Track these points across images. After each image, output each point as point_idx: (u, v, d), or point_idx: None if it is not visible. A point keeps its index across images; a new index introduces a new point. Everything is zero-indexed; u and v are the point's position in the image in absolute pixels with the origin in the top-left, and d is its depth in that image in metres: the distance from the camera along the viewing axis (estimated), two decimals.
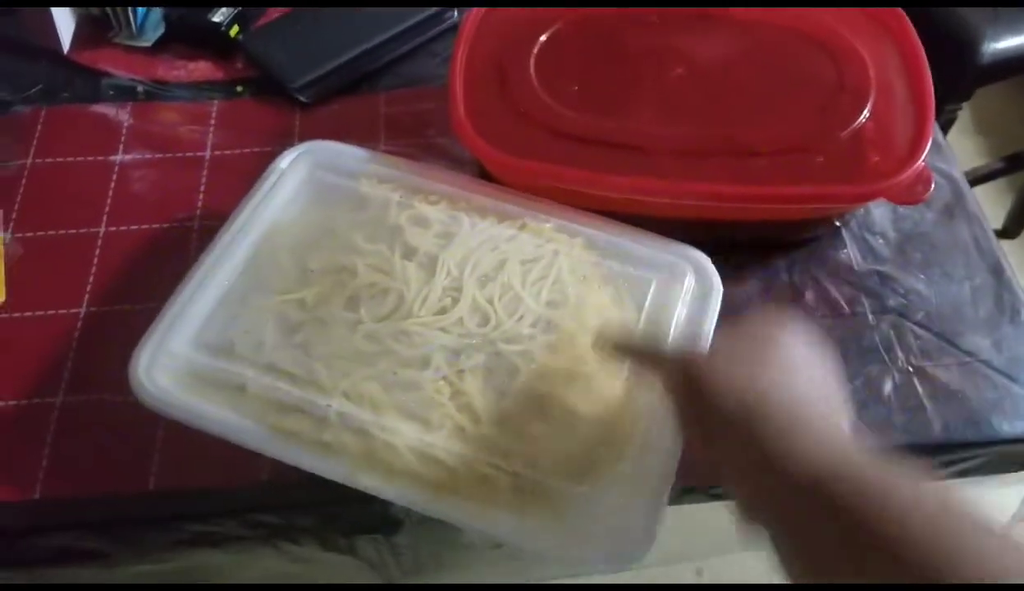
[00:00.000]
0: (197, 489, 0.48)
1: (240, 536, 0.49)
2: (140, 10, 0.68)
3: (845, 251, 0.56)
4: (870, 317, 0.53)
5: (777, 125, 0.54)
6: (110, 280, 0.55)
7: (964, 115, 1.65)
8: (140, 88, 0.66)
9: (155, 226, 0.58)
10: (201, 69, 0.68)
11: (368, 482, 0.43)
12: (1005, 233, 1.50)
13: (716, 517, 0.48)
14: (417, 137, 0.62)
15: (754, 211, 0.53)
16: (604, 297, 0.50)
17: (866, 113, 0.53)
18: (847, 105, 0.54)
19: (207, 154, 0.62)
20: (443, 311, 0.47)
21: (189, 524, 0.48)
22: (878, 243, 0.56)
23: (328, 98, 0.65)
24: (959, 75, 1.09)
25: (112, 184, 0.60)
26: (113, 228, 0.58)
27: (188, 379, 0.46)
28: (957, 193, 0.58)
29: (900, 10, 0.58)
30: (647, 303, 0.50)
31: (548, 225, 0.51)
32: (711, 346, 0.40)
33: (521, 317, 0.48)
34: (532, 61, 0.57)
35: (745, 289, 0.54)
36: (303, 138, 0.62)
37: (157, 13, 0.69)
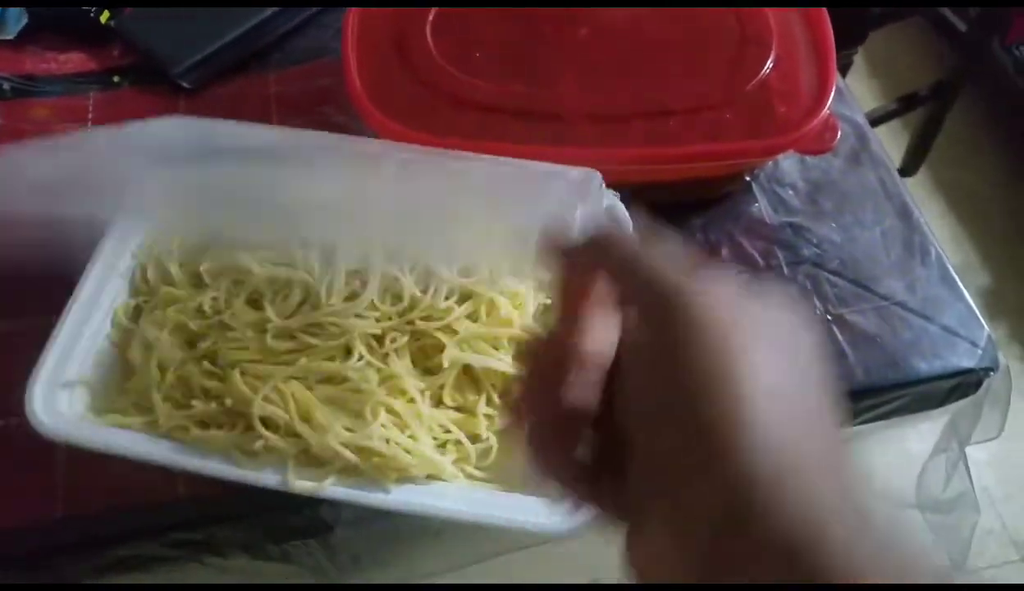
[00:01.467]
0: (107, 511, 0.45)
1: (163, 557, 0.46)
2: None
3: (757, 205, 0.56)
4: (786, 269, 0.53)
5: (686, 82, 0.53)
6: None
7: (857, 59, 1.70)
8: (6, 85, 0.60)
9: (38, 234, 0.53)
10: (73, 61, 0.63)
11: (308, 486, 0.41)
12: (904, 172, 1.56)
13: None
14: (313, 116, 0.59)
15: (671, 171, 0.52)
16: (514, 255, 0.48)
17: (769, 64, 0.53)
18: (751, 57, 0.53)
19: None
20: (353, 296, 0.45)
21: (105, 549, 0.45)
22: (788, 195, 0.56)
23: (213, 81, 0.61)
24: (853, 19, 1.11)
25: None
26: None
27: (91, 407, 0.42)
28: (861, 138, 0.59)
29: None
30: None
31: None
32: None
33: (435, 290, 0.46)
34: (429, 28, 0.55)
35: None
36: None
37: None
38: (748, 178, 0.57)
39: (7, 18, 0.63)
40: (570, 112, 0.52)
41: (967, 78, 1.29)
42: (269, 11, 0.62)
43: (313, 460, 0.42)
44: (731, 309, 0.23)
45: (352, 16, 0.54)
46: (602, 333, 0.27)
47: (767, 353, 0.23)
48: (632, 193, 0.51)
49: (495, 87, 0.52)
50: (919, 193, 1.56)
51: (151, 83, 0.61)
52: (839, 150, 0.58)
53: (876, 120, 1.47)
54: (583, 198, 0.48)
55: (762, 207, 0.56)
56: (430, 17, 0.55)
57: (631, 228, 0.48)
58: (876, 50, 1.69)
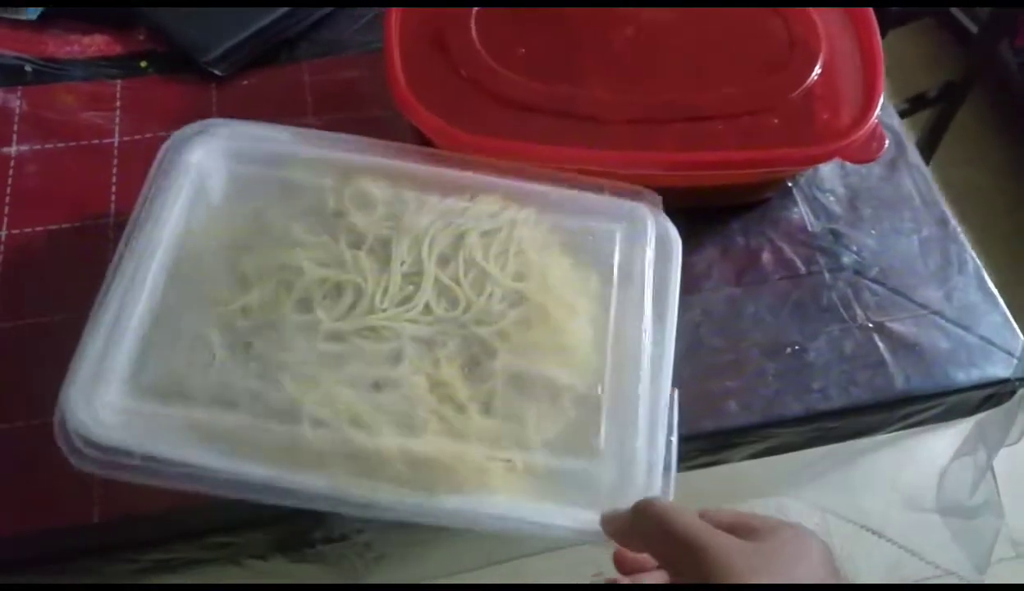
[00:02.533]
0: (146, 516, 0.44)
1: (201, 558, 0.46)
2: None
3: (797, 211, 0.56)
4: (827, 276, 0.53)
5: (729, 87, 0.52)
6: (17, 291, 0.50)
7: None
8: (28, 68, 0.59)
9: (64, 226, 0.52)
10: (97, 44, 0.61)
11: (360, 497, 0.40)
12: None
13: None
14: (349, 109, 0.58)
15: (709, 177, 0.52)
16: (566, 263, 0.47)
17: (817, 70, 0.53)
18: (797, 63, 0.53)
19: (115, 141, 0.56)
20: (407, 299, 0.44)
21: (142, 552, 0.45)
22: (829, 201, 0.56)
23: (244, 70, 0.60)
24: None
25: (9, 180, 0.54)
26: (16, 230, 0.52)
27: (135, 430, 0.40)
28: (899, 145, 0.59)
29: None
30: (614, 264, 0.47)
31: (498, 192, 0.48)
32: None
33: (491, 294, 0.45)
34: (473, 23, 0.54)
35: (703, 254, 0.53)
36: (223, 116, 0.57)
37: None
38: (789, 184, 0.56)
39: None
40: (610, 114, 0.51)
41: (977, 79, 1.30)
42: (291, 5, 0.61)
43: (361, 468, 0.41)
44: (747, 557, 0.33)
45: (394, 13, 0.53)
46: None
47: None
48: (671, 196, 0.50)
49: (537, 86, 0.52)
50: None
51: (179, 70, 0.59)
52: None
53: None
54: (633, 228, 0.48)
55: (802, 212, 0.55)
56: (473, 14, 0.54)
57: (679, 251, 0.48)
58: (885, 48, 1.69)
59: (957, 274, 0.54)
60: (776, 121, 0.51)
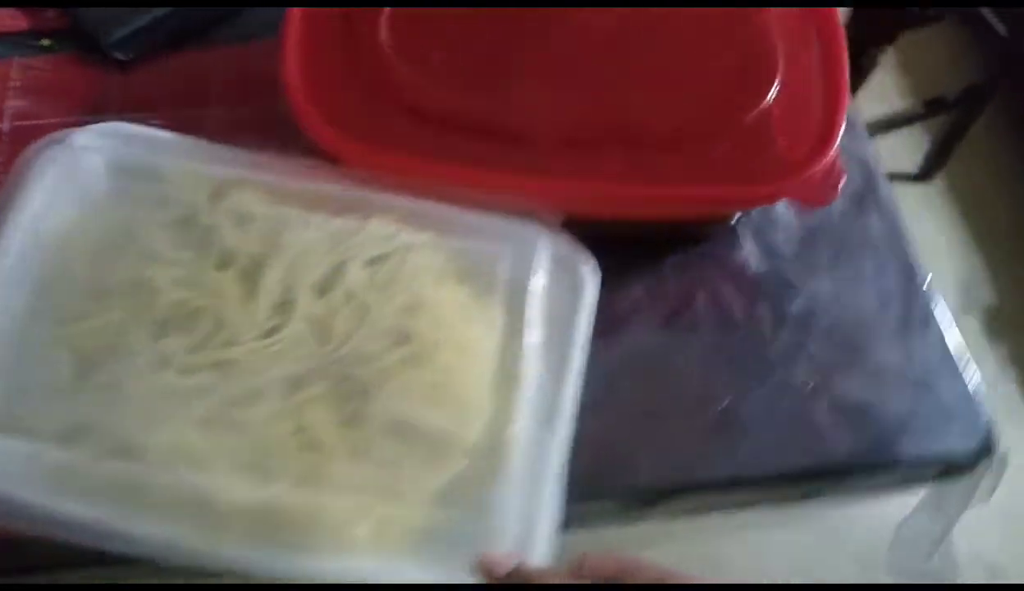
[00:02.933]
0: None
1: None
2: None
3: (742, 248, 0.50)
4: (768, 326, 0.47)
5: (674, 107, 0.46)
6: None
7: (890, 53, 1.61)
8: None
9: None
10: (10, 19, 0.56)
11: (201, 549, 0.36)
12: (921, 177, 1.48)
13: None
14: (256, 102, 0.52)
15: (647, 211, 0.46)
16: (463, 295, 0.42)
17: (774, 91, 0.46)
18: (752, 81, 0.47)
19: (5, 126, 0.51)
20: (273, 331, 0.40)
21: None
22: (779, 239, 0.50)
23: (151, 55, 0.54)
24: (882, 17, 1.03)
25: None
26: None
27: None
28: (869, 180, 0.53)
29: None
30: (519, 297, 0.42)
31: (393, 211, 0.43)
32: None
33: (372, 330, 0.40)
34: (384, 23, 0.47)
35: (629, 292, 0.48)
36: (122, 105, 0.52)
37: None
38: (734, 221, 0.50)
39: None
40: (541, 134, 0.45)
41: (1001, 82, 1.21)
42: None
43: (205, 517, 0.37)
44: None
45: (298, 11, 0.47)
46: None
47: None
48: (599, 225, 0.45)
49: (456, 97, 0.46)
50: (933, 199, 1.49)
51: (84, 51, 0.54)
52: (842, 191, 0.52)
53: (898, 122, 1.39)
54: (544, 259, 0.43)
55: (748, 252, 0.49)
56: (386, 14, 0.47)
57: (594, 287, 0.42)
58: (907, 45, 1.60)
59: (920, 333, 0.48)
60: (724, 149, 0.45)
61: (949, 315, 0.48)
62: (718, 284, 0.48)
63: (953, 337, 0.47)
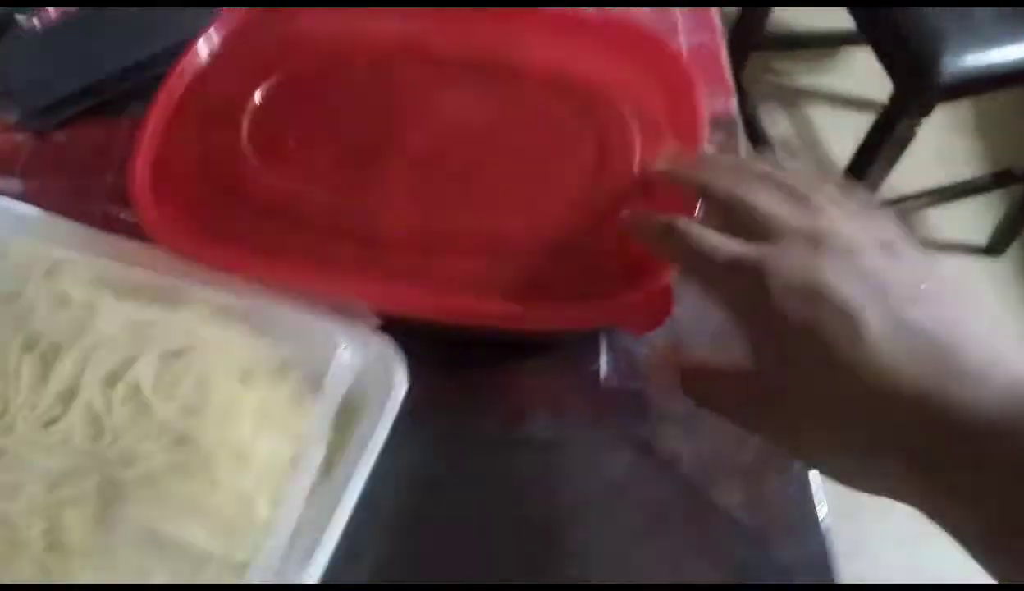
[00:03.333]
0: None
1: None
2: None
3: (596, 360, 0.46)
4: (606, 449, 0.43)
5: (526, 213, 0.44)
6: None
7: (965, 114, 1.49)
8: None
9: None
10: None
11: None
12: (990, 250, 1.36)
13: None
14: None
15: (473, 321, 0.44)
16: (259, 399, 0.41)
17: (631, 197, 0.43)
18: (608, 189, 0.44)
19: None
20: (52, 421, 0.39)
21: None
22: (639, 352, 0.46)
23: (67, 122, 0.57)
24: (918, 90, 0.95)
25: None
26: None
27: None
28: None
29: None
30: (313, 407, 0.40)
31: (206, 304, 0.42)
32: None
33: (144, 428, 0.39)
34: (250, 106, 0.48)
35: (470, 395, 0.45)
36: (27, 170, 0.55)
37: None
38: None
39: None
40: (379, 235, 0.44)
41: None
42: (138, 57, 0.56)
43: None
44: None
45: (177, 73, 0.48)
46: None
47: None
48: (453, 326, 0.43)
49: (300, 193, 0.45)
50: (1004, 274, 1.36)
51: (7, 118, 0.57)
52: (713, 311, 0.47)
53: (968, 191, 1.28)
54: (349, 340, 0.41)
55: (602, 364, 0.46)
56: (249, 109, 0.47)
57: (397, 398, 0.40)
58: (985, 108, 1.48)
59: (775, 472, 0.42)
60: (570, 264, 0.42)
61: None
62: (563, 398, 0.45)
63: (812, 486, 0.42)
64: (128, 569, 0.37)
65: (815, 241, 0.31)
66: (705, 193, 0.37)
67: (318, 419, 0.40)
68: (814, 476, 0.42)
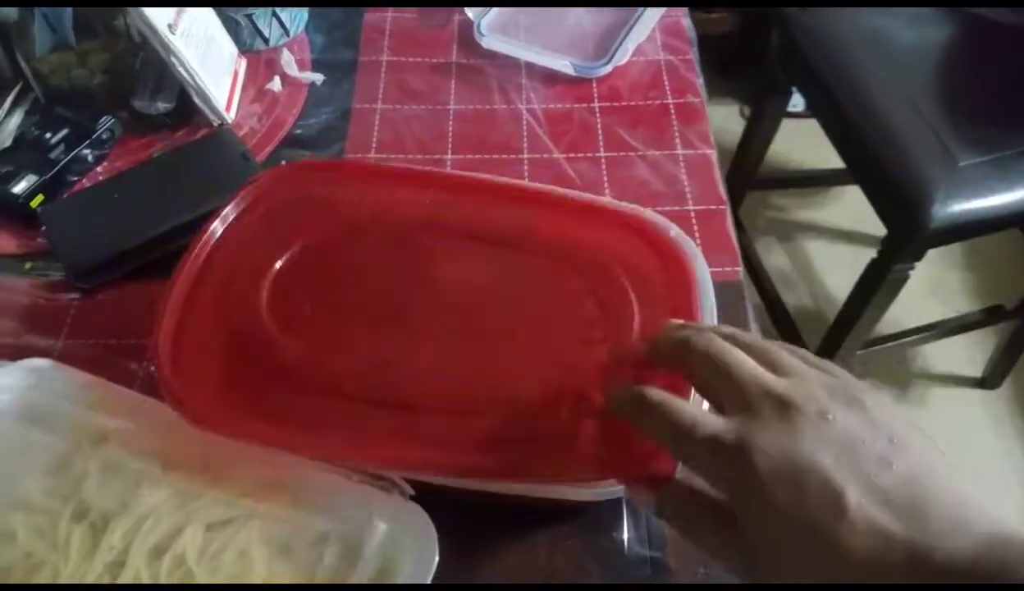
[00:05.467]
0: None
1: None
2: None
3: (620, 529, 0.48)
4: None
5: (544, 375, 0.46)
6: None
7: (956, 249, 1.55)
8: None
9: None
10: (1, 240, 0.64)
11: None
12: (985, 383, 1.39)
13: None
14: None
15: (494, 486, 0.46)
16: (304, 571, 0.42)
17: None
18: (614, 356, 0.46)
19: None
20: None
21: None
22: (660, 524, 0.48)
23: (111, 283, 0.60)
24: (909, 236, 1.00)
25: None
26: None
27: None
28: None
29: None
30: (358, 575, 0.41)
31: (247, 478, 0.44)
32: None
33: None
34: (270, 275, 0.50)
35: (494, 567, 0.46)
36: (74, 330, 0.57)
37: None
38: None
39: None
40: (376, 397, 0.46)
41: None
42: (177, 221, 0.60)
43: None
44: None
45: (200, 242, 0.51)
46: None
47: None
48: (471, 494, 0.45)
49: (326, 360, 0.47)
50: (1001, 408, 1.38)
51: (56, 275, 0.61)
52: None
53: (962, 327, 1.32)
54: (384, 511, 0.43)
55: (625, 532, 0.47)
56: (269, 277, 0.50)
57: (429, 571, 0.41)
58: (980, 244, 1.54)
59: None
60: (587, 431, 0.45)
61: None
62: (588, 566, 0.46)
63: None
64: None
65: (787, 406, 0.33)
66: (687, 351, 0.37)
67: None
68: None
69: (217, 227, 0.53)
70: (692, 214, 0.62)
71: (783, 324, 1.34)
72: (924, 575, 0.29)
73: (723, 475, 0.34)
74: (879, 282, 1.03)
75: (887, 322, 1.21)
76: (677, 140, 0.68)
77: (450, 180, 0.56)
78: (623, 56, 0.73)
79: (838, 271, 1.57)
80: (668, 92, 0.72)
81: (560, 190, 0.55)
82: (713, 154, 0.67)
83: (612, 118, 0.70)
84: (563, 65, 0.72)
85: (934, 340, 1.31)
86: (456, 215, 0.53)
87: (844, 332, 1.13)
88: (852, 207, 1.66)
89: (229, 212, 0.53)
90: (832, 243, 1.63)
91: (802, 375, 0.34)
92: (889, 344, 1.25)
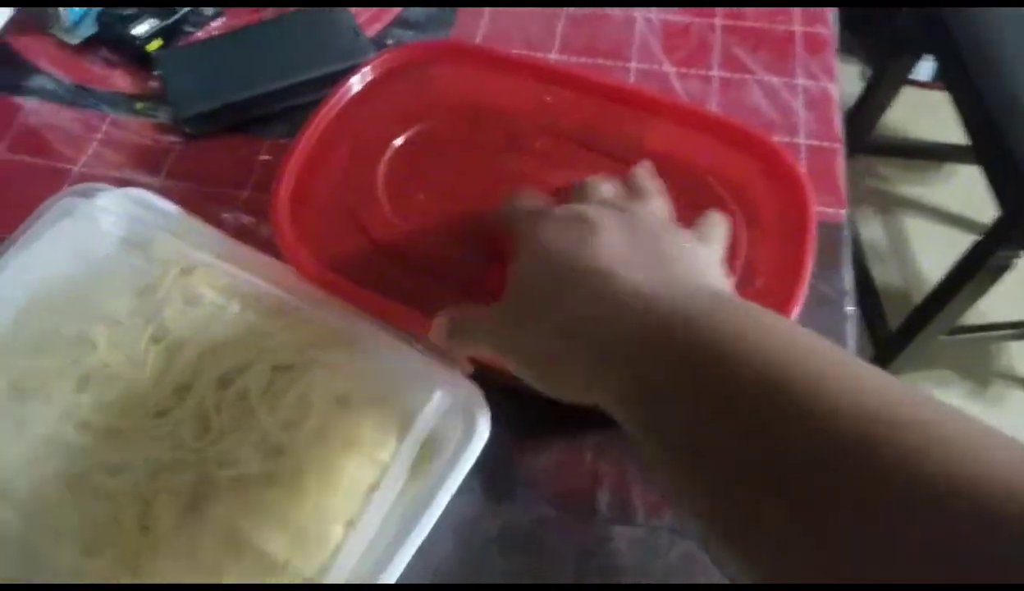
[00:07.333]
0: None
1: None
2: (76, 8, 0.66)
3: None
4: (665, 539, 0.45)
5: None
6: None
7: None
8: (55, 87, 0.65)
9: None
10: (115, 78, 0.66)
11: None
12: None
13: None
14: None
15: None
16: (352, 422, 0.43)
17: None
18: None
19: (77, 169, 0.60)
20: (164, 412, 0.43)
21: None
22: None
23: (215, 133, 0.62)
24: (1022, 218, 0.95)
25: None
26: None
27: None
28: None
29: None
30: (401, 438, 0.43)
31: (322, 327, 0.45)
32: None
33: (246, 434, 0.42)
34: (390, 151, 0.52)
35: (535, 461, 0.47)
36: (173, 171, 0.60)
37: (92, 14, 0.67)
38: None
39: (80, 26, 0.67)
40: (478, 285, 0.46)
41: None
42: (291, 80, 0.62)
43: (30, 568, 0.40)
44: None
45: (326, 107, 0.52)
46: None
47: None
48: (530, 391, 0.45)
49: (422, 237, 0.48)
50: None
51: (163, 117, 0.63)
52: None
53: None
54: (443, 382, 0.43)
55: None
56: (401, 139, 0.52)
57: (477, 448, 0.42)
58: None
59: None
60: None
61: None
62: (628, 478, 0.46)
63: None
64: (205, 563, 0.40)
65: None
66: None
67: (403, 453, 0.42)
68: None
69: (342, 95, 0.54)
70: (803, 147, 0.60)
71: (867, 296, 1.29)
72: (651, 321, 0.32)
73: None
74: (980, 264, 0.98)
75: (976, 313, 1.15)
76: (798, 68, 0.65)
77: (576, 79, 0.55)
78: None
79: (934, 253, 1.49)
80: (796, 19, 0.69)
81: (689, 103, 0.54)
82: (835, 88, 0.63)
83: (732, 38, 0.67)
84: None
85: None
86: (568, 117, 0.53)
87: (932, 312, 1.09)
88: (960, 189, 1.57)
89: (354, 82, 0.54)
90: (933, 223, 1.55)
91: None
92: (975, 335, 1.20)
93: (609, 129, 0.53)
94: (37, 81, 0.65)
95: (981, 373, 1.38)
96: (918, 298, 1.17)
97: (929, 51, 1.15)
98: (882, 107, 1.35)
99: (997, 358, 1.39)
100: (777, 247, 0.48)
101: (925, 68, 1.51)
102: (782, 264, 0.47)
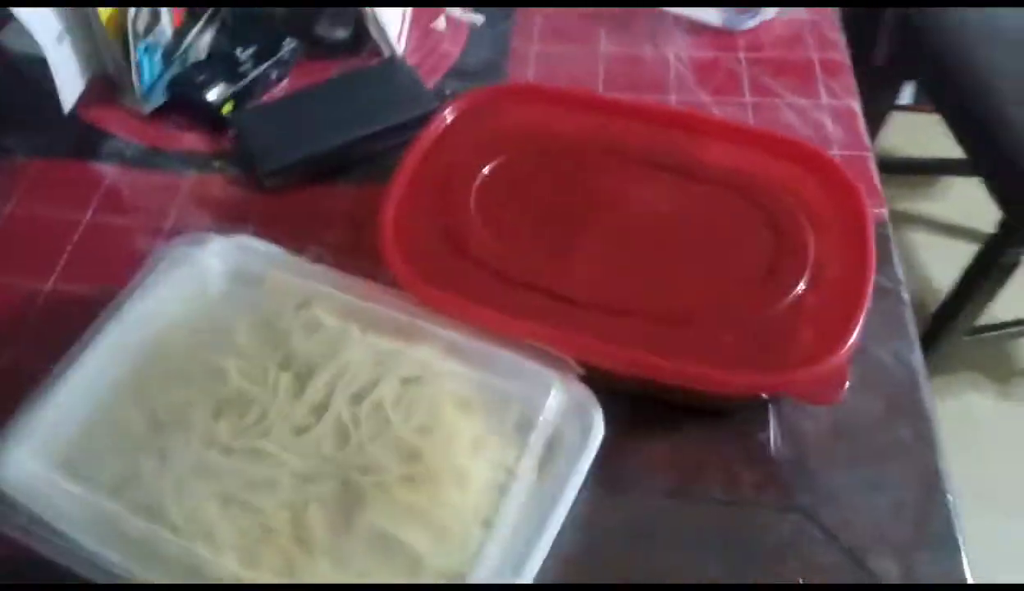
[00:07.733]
0: None
1: None
2: (146, 77, 0.71)
3: (765, 428, 0.51)
4: (773, 512, 0.48)
5: (702, 290, 0.51)
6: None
7: None
8: (127, 152, 0.69)
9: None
10: (191, 140, 0.70)
11: None
12: None
13: None
14: (363, 234, 0.61)
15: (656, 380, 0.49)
16: (477, 426, 0.46)
17: (800, 288, 0.49)
18: (780, 276, 0.50)
19: (167, 225, 0.64)
20: (304, 430, 0.46)
21: None
22: (805, 427, 0.51)
23: (294, 186, 0.66)
24: None
25: (73, 240, 0.63)
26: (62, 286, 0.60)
27: (33, 493, 0.44)
28: (911, 384, 0.52)
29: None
30: (521, 440, 0.46)
31: (439, 340, 0.49)
32: None
33: (384, 442, 0.45)
34: (479, 180, 0.56)
35: (642, 456, 0.50)
36: (258, 223, 0.63)
37: (163, 82, 0.72)
38: (765, 396, 0.52)
39: (152, 94, 0.72)
40: (575, 296, 0.50)
41: None
42: (368, 130, 0.66)
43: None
44: None
45: (402, 172, 0.57)
46: None
47: None
48: (631, 382, 0.48)
49: (514, 255, 0.53)
50: None
51: (242, 173, 0.67)
52: (879, 392, 0.52)
53: None
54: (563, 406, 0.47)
55: (770, 434, 0.51)
56: (486, 170, 0.57)
57: (594, 446, 0.46)
58: None
59: (926, 548, 0.46)
60: (739, 336, 0.48)
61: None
62: (733, 460, 0.50)
63: (964, 561, 0.46)
64: (358, 567, 0.43)
65: None
66: None
67: (529, 453, 0.45)
68: (966, 553, 0.46)
69: (430, 134, 0.59)
70: (837, 158, 0.65)
71: None
72: None
73: None
74: (991, 264, 1.03)
75: (989, 316, 1.20)
76: (822, 89, 0.70)
77: (632, 108, 0.61)
78: (768, 12, 0.76)
79: (941, 262, 1.55)
80: (812, 48, 0.75)
81: (733, 120, 0.59)
82: (857, 105, 0.69)
83: (757, 68, 0.73)
84: (711, 16, 0.75)
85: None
86: (632, 140, 0.59)
87: (949, 317, 1.14)
88: (959, 201, 1.64)
89: (437, 124, 0.60)
90: (937, 236, 1.62)
91: None
92: (997, 332, 1.26)
93: (669, 149, 0.58)
94: (113, 146, 0.69)
95: (1003, 374, 1.43)
96: (932, 307, 1.21)
97: (916, 79, 1.23)
98: (873, 135, 1.42)
99: (1020, 357, 1.45)
100: (838, 246, 0.52)
101: (906, 93, 1.61)
102: (846, 260, 0.51)
